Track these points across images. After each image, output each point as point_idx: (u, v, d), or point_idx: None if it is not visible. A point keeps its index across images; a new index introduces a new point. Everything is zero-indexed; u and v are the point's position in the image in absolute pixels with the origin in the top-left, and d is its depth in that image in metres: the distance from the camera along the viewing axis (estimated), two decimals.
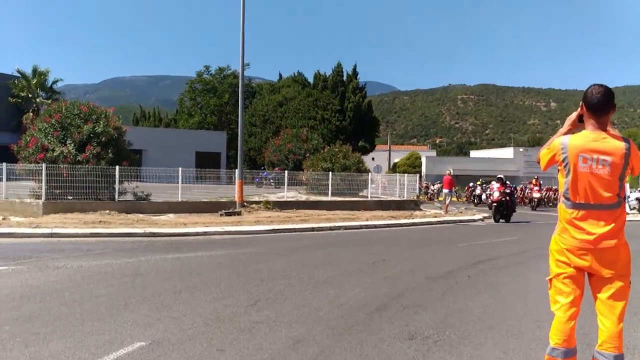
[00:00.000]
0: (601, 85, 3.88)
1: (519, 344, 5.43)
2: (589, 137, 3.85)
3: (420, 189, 42.71)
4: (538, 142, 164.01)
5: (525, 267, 10.55)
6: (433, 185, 47.76)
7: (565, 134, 4.08)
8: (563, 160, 3.90)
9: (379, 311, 6.71)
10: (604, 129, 3.85)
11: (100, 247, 12.20)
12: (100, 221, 16.25)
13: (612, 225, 3.80)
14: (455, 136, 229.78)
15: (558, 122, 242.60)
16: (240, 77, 23.56)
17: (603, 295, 3.87)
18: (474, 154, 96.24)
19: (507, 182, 25.94)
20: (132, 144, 23.18)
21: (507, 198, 24.02)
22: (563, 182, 3.95)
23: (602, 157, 3.77)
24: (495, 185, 25.20)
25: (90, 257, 10.66)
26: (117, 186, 20.08)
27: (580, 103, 3.97)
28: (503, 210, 24.05)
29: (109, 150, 20.58)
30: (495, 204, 24.39)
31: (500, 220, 23.93)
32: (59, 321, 5.98)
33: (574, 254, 3.89)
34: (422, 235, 17.40)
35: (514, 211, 24.83)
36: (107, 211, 18.20)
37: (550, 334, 4.00)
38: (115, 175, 19.73)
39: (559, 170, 4.01)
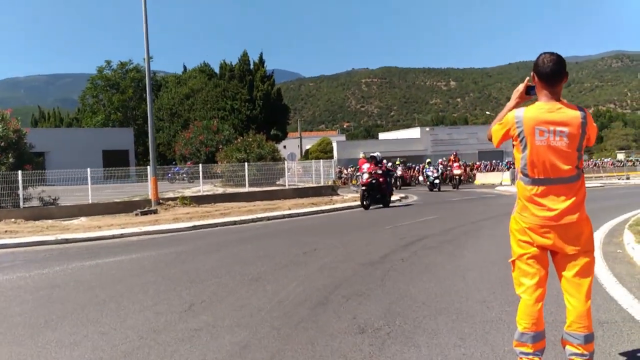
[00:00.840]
0: (552, 53, 3.73)
1: (473, 328, 5.29)
2: (543, 108, 3.69)
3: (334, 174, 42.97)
4: (441, 121, 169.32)
5: (456, 246, 10.57)
6: (347, 170, 48.20)
7: (513, 108, 3.92)
8: (518, 135, 3.73)
9: (322, 305, 6.43)
10: (558, 99, 3.71)
11: (8, 259, 11.26)
12: (5, 231, 15.11)
13: (573, 199, 3.67)
14: (362, 120, 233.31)
15: (458, 100, 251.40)
16: (146, 68, 22.58)
17: (568, 273, 3.74)
18: (382, 135, 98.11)
19: (383, 160, 21.68)
20: (34, 146, 21.84)
21: (381, 179, 20.34)
22: (519, 158, 3.78)
23: (558, 128, 3.62)
24: (365, 165, 21.01)
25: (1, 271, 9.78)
26: (21, 192, 18.83)
27: (531, 73, 3.80)
28: (376, 194, 20.36)
29: (9, 155, 19.27)
30: (364, 187, 20.33)
31: (371, 207, 20.21)
32: None
33: (536, 232, 3.74)
34: (345, 220, 17.31)
35: (391, 194, 21.63)
36: (13, 219, 16.99)
37: (517, 318, 3.83)
38: (19, 181, 18.48)
39: (514, 145, 3.84)
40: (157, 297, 7.22)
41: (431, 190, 33.14)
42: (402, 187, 37.80)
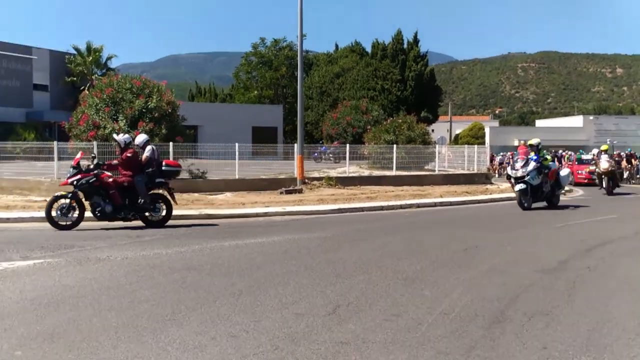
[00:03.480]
0: None
1: None
2: None
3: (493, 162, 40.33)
4: (604, 110, 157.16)
5: None
6: (496, 158, 44.57)
7: None
8: None
9: (499, 323, 5.11)
10: None
11: (149, 233, 10.92)
12: None
13: None
14: (516, 106, 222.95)
15: (625, 88, 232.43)
16: (299, 46, 21.96)
17: None
18: (539, 123, 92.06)
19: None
20: (186, 119, 22.06)
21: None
22: None
23: None
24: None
25: (137, 246, 9.37)
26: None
27: None
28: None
29: (162, 126, 19.45)
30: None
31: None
32: (86, 342, 4.61)
33: None
34: (505, 213, 15.57)
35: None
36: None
37: None
38: (170, 152, 18.54)
39: None
40: (297, 292, 6.25)
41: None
42: None
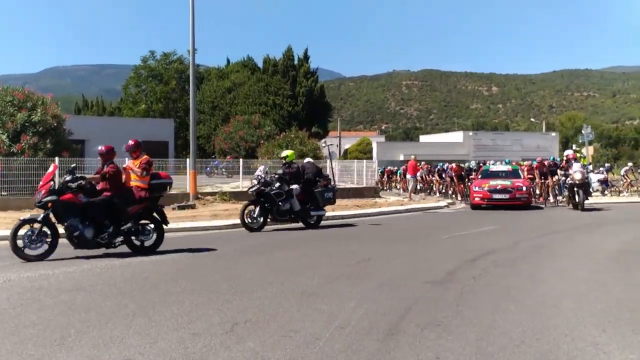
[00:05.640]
0: None
1: None
2: None
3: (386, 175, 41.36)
4: (482, 127, 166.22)
5: (531, 265, 9.27)
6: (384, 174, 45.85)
7: None
8: None
9: (393, 336, 5.28)
10: None
11: None
12: None
13: None
14: (401, 122, 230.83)
15: (500, 106, 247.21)
16: (190, 58, 21.72)
17: None
18: (423, 138, 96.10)
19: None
20: (72, 133, 21.20)
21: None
22: None
23: None
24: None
25: (20, 267, 8.87)
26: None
27: None
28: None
29: (47, 141, 18.60)
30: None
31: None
32: None
33: None
34: (396, 226, 16.11)
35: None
36: None
37: None
38: None
39: None
40: (194, 311, 6.16)
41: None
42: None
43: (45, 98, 19.82)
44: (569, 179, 20.41)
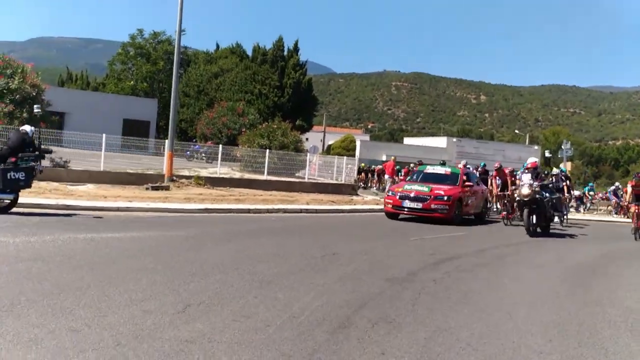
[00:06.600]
0: None
1: None
2: None
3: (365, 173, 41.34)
4: (467, 134, 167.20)
5: (492, 271, 9.39)
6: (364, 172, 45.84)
7: None
8: None
9: (344, 329, 5.31)
10: None
11: None
12: None
13: None
14: (387, 122, 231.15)
15: (487, 115, 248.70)
16: (176, 40, 21.54)
17: None
18: (407, 140, 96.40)
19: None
20: (51, 104, 20.94)
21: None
22: None
23: None
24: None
25: None
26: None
27: None
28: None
29: (24, 110, 18.34)
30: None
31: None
32: None
33: None
34: (367, 224, 16.16)
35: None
36: None
37: None
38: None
39: None
40: (149, 289, 6.14)
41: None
42: None
43: (25, 66, 19.60)
44: (516, 193, 16.50)
